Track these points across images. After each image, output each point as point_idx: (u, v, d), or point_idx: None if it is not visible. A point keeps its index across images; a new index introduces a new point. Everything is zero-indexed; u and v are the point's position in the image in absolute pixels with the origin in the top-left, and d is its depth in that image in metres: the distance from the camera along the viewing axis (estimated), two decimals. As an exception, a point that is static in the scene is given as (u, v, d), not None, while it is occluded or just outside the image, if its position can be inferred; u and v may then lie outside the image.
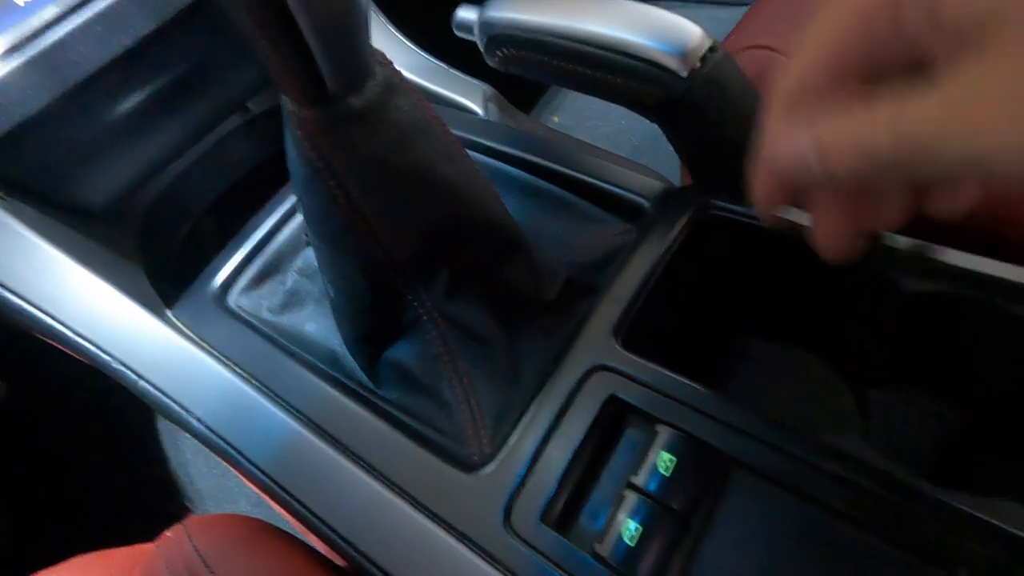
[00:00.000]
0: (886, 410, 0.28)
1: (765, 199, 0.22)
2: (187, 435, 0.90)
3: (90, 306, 0.34)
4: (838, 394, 0.31)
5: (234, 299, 0.37)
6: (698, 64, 0.28)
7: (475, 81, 0.43)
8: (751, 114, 0.30)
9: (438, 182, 0.27)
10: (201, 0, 0.37)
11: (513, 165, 0.37)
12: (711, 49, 0.28)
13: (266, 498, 0.32)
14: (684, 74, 0.28)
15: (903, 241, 0.26)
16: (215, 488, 0.78)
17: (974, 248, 0.25)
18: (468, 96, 0.42)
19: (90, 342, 0.34)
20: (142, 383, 0.33)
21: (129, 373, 0.34)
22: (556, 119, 0.98)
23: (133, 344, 0.34)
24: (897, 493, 0.21)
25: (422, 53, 0.46)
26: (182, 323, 0.35)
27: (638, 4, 0.28)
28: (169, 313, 0.36)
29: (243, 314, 0.36)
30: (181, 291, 0.41)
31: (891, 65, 0.19)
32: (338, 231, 0.28)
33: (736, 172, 0.31)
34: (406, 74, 0.28)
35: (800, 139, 0.19)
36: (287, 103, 0.25)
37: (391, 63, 0.26)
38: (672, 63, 0.27)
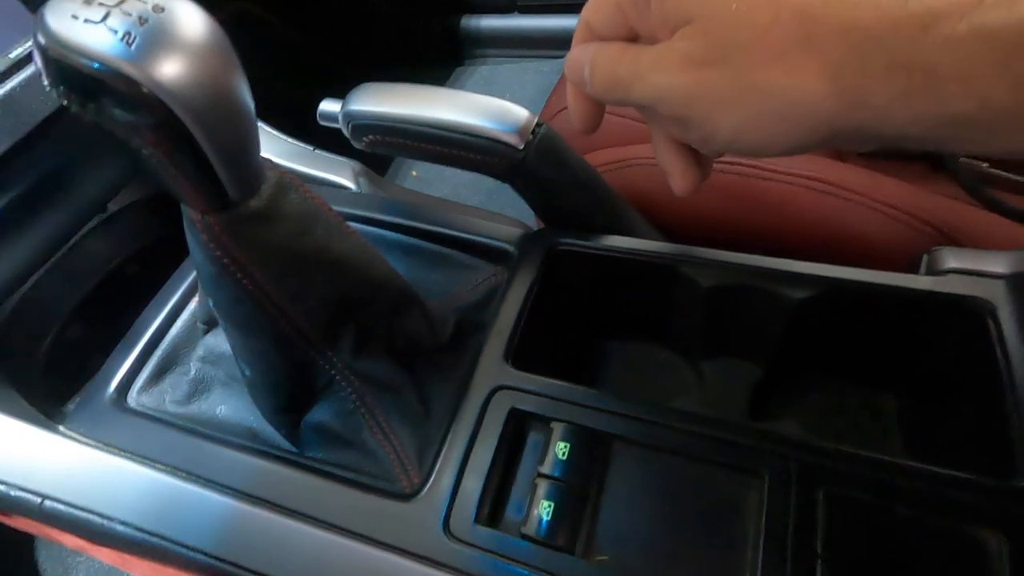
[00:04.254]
0: (713, 375, 0.37)
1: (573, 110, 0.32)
2: (80, 559, 0.80)
3: (-29, 438, 0.33)
4: (679, 370, 0.40)
5: (134, 399, 0.37)
6: (530, 137, 0.36)
7: (343, 159, 0.48)
8: (574, 167, 0.38)
9: (335, 259, 0.32)
10: (58, 110, 0.38)
11: (391, 230, 0.42)
12: (538, 124, 0.36)
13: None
14: (521, 146, 0.35)
15: (700, 250, 0.36)
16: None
17: (751, 250, 0.35)
18: (340, 174, 0.46)
19: None
20: (48, 503, 0.32)
21: (31, 498, 0.33)
22: (415, 173, 1.04)
23: (29, 467, 0.33)
24: (727, 431, 0.29)
25: (290, 140, 0.49)
26: (79, 434, 0.35)
27: (475, 95, 0.36)
28: (62, 427, 0.35)
29: (148, 411, 0.36)
30: (62, 404, 0.40)
31: (639, 27, 0.29)
32: (249, 316, 0.30)
33: (572, 213, 0.39)
34: (283, 162, 0.32)
35: (584, 57, 0.30)
36: (189, 211, 0.27)
37: (278, 166, 0.30)
38: (511, 139, 0.35)
